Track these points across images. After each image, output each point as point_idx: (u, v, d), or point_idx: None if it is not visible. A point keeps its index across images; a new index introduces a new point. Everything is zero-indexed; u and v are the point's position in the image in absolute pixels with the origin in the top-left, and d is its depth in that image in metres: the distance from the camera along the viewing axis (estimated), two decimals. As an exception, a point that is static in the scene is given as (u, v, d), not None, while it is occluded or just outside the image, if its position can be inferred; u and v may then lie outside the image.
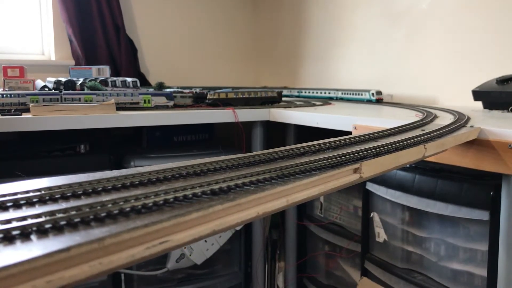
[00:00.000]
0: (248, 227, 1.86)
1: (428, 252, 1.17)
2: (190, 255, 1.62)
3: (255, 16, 3.03)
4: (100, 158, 1.61)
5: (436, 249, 1.15)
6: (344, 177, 0.54)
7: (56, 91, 1.48)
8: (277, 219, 2.04)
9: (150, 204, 0.37)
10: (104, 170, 0.50)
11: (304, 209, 1.86)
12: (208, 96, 1.72)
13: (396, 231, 1.28)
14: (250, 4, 3.01)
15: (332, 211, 1.69)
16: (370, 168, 0.57)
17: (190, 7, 2.76)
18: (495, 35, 1.68)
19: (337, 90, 2.18)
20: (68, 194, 0.39)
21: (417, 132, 0.84)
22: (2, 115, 1.28)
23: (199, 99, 1.77)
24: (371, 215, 1.36)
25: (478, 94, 1.49)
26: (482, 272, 1.03)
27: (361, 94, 2.00)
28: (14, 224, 0.31)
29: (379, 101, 1.93)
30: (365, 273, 1.38)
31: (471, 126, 0.97)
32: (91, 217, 0.33)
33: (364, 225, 1.40)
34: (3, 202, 0.35)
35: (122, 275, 1.62)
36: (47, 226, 0.31)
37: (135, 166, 1.60)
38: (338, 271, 1.69)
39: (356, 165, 0.55)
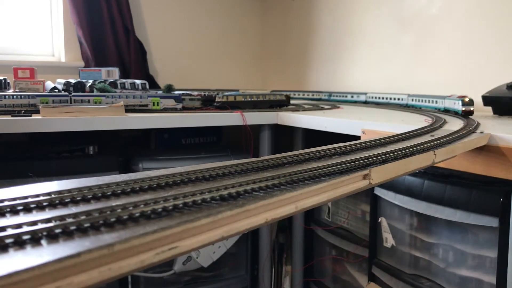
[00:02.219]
0: (255, 230, 1.86)
1: (436, 258, 1.17)
2: (197, 257, 1.63)
3: (264, 19, 3.03)
4: (108, 160, 1.62)
5: (445, 255, 1.14)
6: (353, 183, 0.54)
7: (66, 93, 1.49)
8: (284, 222, 2.03)
9: (160, 210, 0.37)
10: (112, 172, 0.50)
11: (311, 213, 1.85)
12: (217, 99, 1.72)
13: (404, 237, 1.27)
14: (258, 7, 3.02)
15: (339, 215, 1.68)
16: (380, 174, 0.57)
17: (199, 10, 2.77)
18: (505, 40, 1.67)
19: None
20: (78, 198, 0.39)
21: (427, 137, 0.83)
22: (12, 116, 1.29)
23: (208, 102, 1.77)
24: (379, 220, 1.35)
25: (488, 100, 1.47)
26: (491, 279, 1.02)
27: None
28: (25, 228, 0.31)
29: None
30: (372, 278, 1.37)
31: (481, 132, 0.96)
32: (101, 222, 0.33)
33: (372, 230, 1.39)
34: (14, 206, 0.36)
35: (129, 277, 1.62)
36: (57, 231, 0.31)
37: (144, 168, 1.61)
38: (345, 276, 1.69)
39: (366, 171, 0.55)
